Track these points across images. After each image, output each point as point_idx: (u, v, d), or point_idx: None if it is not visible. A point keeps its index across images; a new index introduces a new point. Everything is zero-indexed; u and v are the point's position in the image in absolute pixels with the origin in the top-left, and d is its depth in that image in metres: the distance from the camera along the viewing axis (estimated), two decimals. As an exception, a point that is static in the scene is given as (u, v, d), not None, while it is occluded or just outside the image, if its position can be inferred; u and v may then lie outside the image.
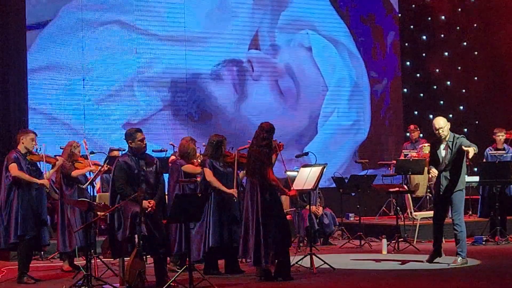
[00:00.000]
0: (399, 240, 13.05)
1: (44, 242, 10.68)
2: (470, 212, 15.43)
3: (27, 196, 10.33)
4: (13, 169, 10.29)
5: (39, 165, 10.62)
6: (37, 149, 10.68)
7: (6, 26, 15.01)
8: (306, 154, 13.80)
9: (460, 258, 10.97)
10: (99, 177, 12.66)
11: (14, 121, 14.93)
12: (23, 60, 15.22)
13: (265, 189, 9.97)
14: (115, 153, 12.85)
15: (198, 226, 10.59)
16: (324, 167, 11.33)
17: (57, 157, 11.00)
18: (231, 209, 10.64)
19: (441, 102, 19.13)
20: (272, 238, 9.87)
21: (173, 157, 11.59)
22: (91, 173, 11.54)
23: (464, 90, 19.00)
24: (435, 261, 11.17)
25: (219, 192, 10.59)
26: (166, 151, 14.30)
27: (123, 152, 10.97)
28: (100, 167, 11.38)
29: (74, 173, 11.16)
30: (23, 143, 10.46)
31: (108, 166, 11.08)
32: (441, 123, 11.19)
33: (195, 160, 11.24)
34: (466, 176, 11.39)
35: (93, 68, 15.88)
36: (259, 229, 9.87)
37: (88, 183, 11.32)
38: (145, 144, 9.69)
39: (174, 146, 13.49)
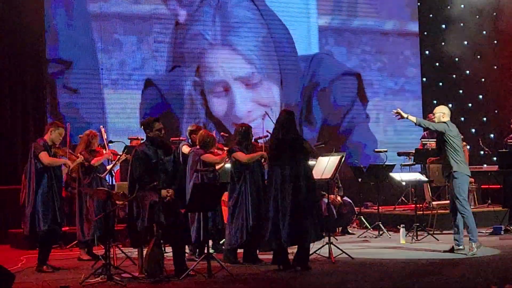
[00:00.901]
0: (418, 229, 13.01)
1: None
2: (489, 202, 15.36)
3: (54, 186, 10.40)
4: (45, 157, 10.34)
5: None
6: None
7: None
8: (324, 143, 13.83)
9: (473, 243, 10.95)
10: (119, 165, 12.69)
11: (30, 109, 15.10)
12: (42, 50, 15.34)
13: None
14: (134, 142, 12.88)
15: (237, 213, 10.58)
16: (343, 156, 11.31)
17: (79, 154, 11.04)
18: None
19: (460, 91, 19.04)
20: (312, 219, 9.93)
21: (185, 146, 11.62)
22: (109, 162, 11.59)
23: (483, 79, 18.89)
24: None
25: (253, 177, 10.61)
26: (185, 140, 14.32)
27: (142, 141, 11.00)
28: (118, 156, 11.42)
29: (94, 161, 11.21)
30: (51, 135, 10.50)
31: (126, 155, 11.11)
32: (435, 109, 11.47)
33: (214, 150, 11.27)
34: (462, 162, 11.28)
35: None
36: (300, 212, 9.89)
37: (106, 172, 11.36)
38: (163, 133, 9.72)
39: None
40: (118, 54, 15.99)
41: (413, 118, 11.18)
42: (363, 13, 18.53)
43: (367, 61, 18.51)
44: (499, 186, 14.98)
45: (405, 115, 11.21)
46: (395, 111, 11.25)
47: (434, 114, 11.40)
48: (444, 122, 11.17)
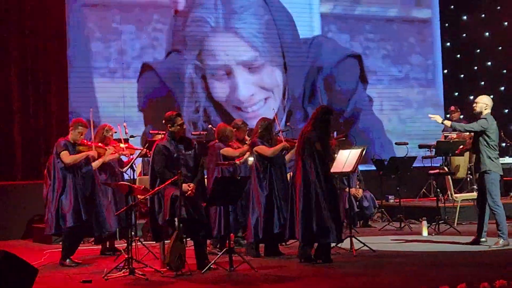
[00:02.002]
0: (440, 222, 12.98)
1: (99, 231, 10.85)
2: (512, 194, 15.33)
3: (79, 183, 10.44)
4: (65, 156, 10.39)
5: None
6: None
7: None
8: (345, 136, 13.82)
9: (502, 240, 10.89)
10: (141, 159, 12.70)
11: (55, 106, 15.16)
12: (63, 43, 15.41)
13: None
14: (156, 137, 12.91)
15: (262, 207, 10.62)
16: (364, 149, 11.29)
17: (109, 146, 11.05)
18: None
19: (482, 83, 18.94)
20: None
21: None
22: (126, 156, 11.59)
23: (505, 71, 18.77)
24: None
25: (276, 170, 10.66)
26: (206, 133, 14.36)
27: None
28: (139, 151, 11.44)
29: (108, 158, 11.21)
30: (71, 134, 10.56)
31: (146, 150, 11.13)
32: (478, 98, 11.24)
33: (233, 142, 11.29)
34: (505, 158, 11.25)
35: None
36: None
37: (127, 167, 11.38)
38: (185, 128, 9.76)
39: (213, 129, 13.53)
40: (117, 43, 15.93)
41: (448, 123, 11.14)
42: (366, 0, 18.35)
43: (371, 48, 18.35)
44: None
45: (440, 120, 11.17)
46: (432, 116, 11.18)
47: (476, 104, 11.14)
48: (484, 118, 10.96)
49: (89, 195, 10.54)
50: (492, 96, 18.06)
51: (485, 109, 11.08)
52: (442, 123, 11.27)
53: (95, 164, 10.84)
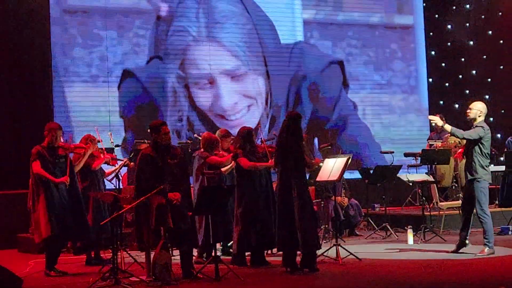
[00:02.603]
0: (425, 230, 13.00)
1: (78, 238, 10.80)
2: (497, 202, 15.33)
3: (55, 192, 10.36)
4: (36, 166, 10.30)
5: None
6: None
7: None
8: (330, 145, 13.84)
9: (488, 248, 10.90)
10: (126, 169, 12.68)
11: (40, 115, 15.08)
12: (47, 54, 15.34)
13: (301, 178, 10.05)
14: (141, 146, 12.89)
15: (244, 217, 10.61)
16: (349, 158, 11.30)
17: (88, 145, 10.97)
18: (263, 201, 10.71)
19: (467, 91, 19.00)
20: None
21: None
22: (109, 166, 11.58)
23: (489, 79, 18.86)
24: (461, 251, 11.13)
25: (259, 181, 10.68)
26: (191, 142, 14.35)
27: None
28: (122, 162, 11.42)
29: (95, 165, 11.19)
30: (48, 138, 10.49)
31: (127, 160, 11.12)
32: (472, 104, 11.16)
33: (219, 151, 11.28)
34: (490, 166, 11.25)
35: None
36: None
37: (113, 176, 11.35)
38: (170, 137, 9.73)
39: (198, 138, 13.52)
40: (98, 49, 15.83)
41: (448, 127, 11.05)
42: (348, 6, 18.34)
43: (353, 55, 18.32)
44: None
45: (440, 124, 11.15)
46: (432, 118, 11.17)
47: (470, 110, 11.06)
48: (481, 126, 10.94)
49: (66, 204, 10.44)
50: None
51: (479, 116, 11.05)
52: (442, 127, 11.19)
53: (78, 166, 10.80)
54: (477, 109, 11.06)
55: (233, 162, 10.97)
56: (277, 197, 10.13)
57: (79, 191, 10.65)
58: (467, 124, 11.25)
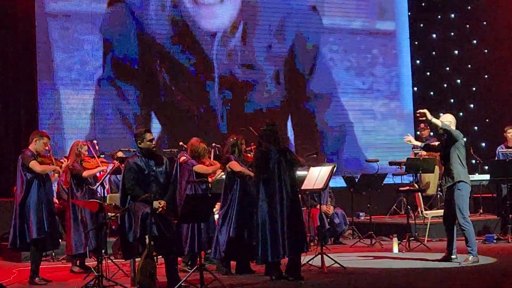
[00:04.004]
0: (410, 239, 13.02)
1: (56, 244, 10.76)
2: (481, 211, 15.39)
3: (43, 196, 10.37)
4: (36, 165, 10.30)
5: None
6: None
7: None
8: (316, 153, 13.84)
9: (472, 256, 10.93)
10: (108, 178, 12.66)
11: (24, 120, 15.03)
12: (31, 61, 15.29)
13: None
14: (118, 154, 12.88)
15: (226, 223, 10.61)
16: (334, 166, 11.32)
17: (63, 159, 11.00)
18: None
19: (452, 100, 19.08)
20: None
21: (183, 157, 11.59)
22: (100, 173, 11.56)
23: (474, 88, 18.94)
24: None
25: (245, 187, 10.66)
26: (176, 150, 14.32)
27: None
28: (110, 166, 11.41)
29: (85, 174, 11.18)
30: (35, 144, 10.47)
31: (118, 163, 11.09)
32: (441, 118, 11.35)
33: (206, 160, 11.28)
34: (472, 175, 11.31)
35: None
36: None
37: (99, 183, 11.33)
38: (154, 144, 9.71)
39: (183, 146, 13.51)
40: (78, 53, 15.77)
41: (438, 122, 11.10)
42: (329, 12, 18.37)
43: (334, 60, 18.36)
44: (490, 195, 14.99)
45: (429, 117, 11.15)
46: (421, 111, 11.20)
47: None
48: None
49: (50, 209, 10.45)
50: (461, 114, 18.35)
51: (450, 126, 11.17)
52: (431, 121, 11.20)
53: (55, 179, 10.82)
54: (447, 121, 11.21)
55: (220, 170, 11.03)
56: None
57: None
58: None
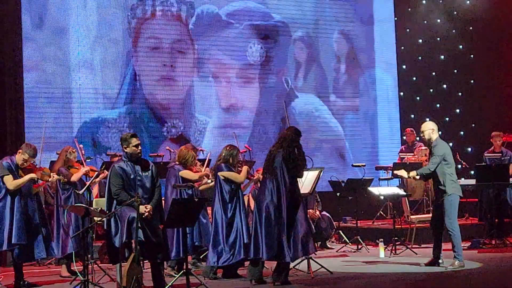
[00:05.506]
0: (396, 243, 13.04)
1: (38, 255, 10.58)
2: (467, 215, 15.43)
3: (19, 205, 10.23)
4: (9, 181, 10.17)
5: None
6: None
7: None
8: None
9: (458, 261, 10.96)
10: (97, 181, 12.62)
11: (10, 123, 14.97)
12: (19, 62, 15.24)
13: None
14: (115, 158, 12.84)
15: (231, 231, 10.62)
16: (321, 171, 11.32)
17: (52, 174, 10.81)
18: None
19: (438, 105, 19.12)
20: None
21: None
22: (86, 178, 11.53)
23: (460, 93, 18.99)
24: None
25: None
26: (163, 156, 14.32)
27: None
28: (96, 173, 11.37)
29: (74, 178, 11.14)
30: (21, 155, 10.35)
31: (105, 171, 11.06)
32: (422, 127, 11.38)
33: (193, 167, 11.28)
34: (458, 180, 11.35)
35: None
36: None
37: (84, 188, 11.29)
38: (140, 149, 9.67)
39: (170, 151, 13.51)
40: (67, 63, 15.64)
41: (413, 173, 11.26)
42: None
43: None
44: (476, 200, 15.04)
45: (406, 175, 11.33)
46: (398, 174, 11.50)
47: (423, 132, 11.26)
48: (436, 145, 11.09)
49: (31, 218, 10.35)
50: (447, 119, 18.38)
51: (433, 133, 11.23)
52: (409, 177, 11.41)
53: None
54: (429, 129, 11.26)
55: (205, 177, 11.07)
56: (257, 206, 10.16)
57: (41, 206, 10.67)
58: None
